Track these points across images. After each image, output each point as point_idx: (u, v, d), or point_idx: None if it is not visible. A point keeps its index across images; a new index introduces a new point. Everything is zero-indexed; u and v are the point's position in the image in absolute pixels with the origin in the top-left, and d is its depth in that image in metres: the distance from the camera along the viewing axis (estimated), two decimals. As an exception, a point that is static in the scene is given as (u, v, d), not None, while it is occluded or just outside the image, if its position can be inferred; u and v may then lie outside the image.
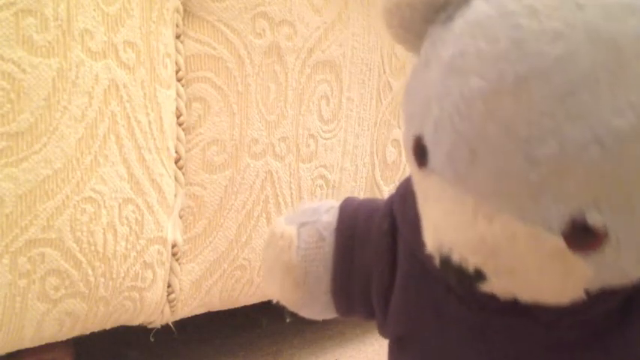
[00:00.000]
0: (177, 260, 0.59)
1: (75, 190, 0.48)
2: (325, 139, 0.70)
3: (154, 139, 0.54)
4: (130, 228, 0.52)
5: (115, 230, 0.51)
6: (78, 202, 0.49)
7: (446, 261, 0.26)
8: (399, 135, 0.80)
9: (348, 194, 0.74)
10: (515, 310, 0.28)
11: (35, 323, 0.49)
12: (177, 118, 0.57)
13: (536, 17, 0.23)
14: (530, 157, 0.23)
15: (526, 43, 0.23)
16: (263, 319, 0.87)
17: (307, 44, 0.66)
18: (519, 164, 0.23)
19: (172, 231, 0.57)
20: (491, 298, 0.27)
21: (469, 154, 0.24)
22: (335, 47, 0.69)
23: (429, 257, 0.27)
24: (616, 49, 0.22)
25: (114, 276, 0.52)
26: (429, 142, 0.26)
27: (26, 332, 0.49)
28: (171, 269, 0.59)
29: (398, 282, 0.33)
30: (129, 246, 0.53)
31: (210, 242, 0.62)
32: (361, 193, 0.77)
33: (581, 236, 0.23)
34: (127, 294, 0.54)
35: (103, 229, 0.50)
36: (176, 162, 0.57)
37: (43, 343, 0.51)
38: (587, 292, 0.26)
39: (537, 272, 0.25)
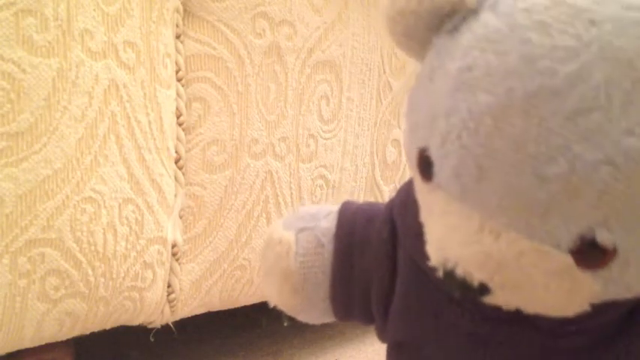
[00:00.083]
0: (177, 260, 0.59)
1: (75, 190, 0.48)
2: (325, 139, 0.70)
3: (154, 139, 0.54)
4: (130, 228, 0.52)
5: (115, 230, 0.51)
6: (78, 202, 0.48)
7: (450, 274, 0.25)
8: (399, 135, 0.80)
9: (348, 194, 0.74)
10: (517, 318, 0.28)
11: (35, 323, 0.49)
12: (177, 118, 0.57)
13: (547, 33, 0.22)
14: (539, 175, 0.22)
15: (537, 59, 0.22)
16: (263, 319, 0.87)
17: (307, 44, 0.66)
18: (528, 181, 0.22)
19: (172, 231, 0.57)
20: (494, 307, 0.27)
21: (476, 170, 0.23)
22: (335, 47, 0.69)
23: (432, 268, 0.27)
24: (630, 67, 0.22)
25: (114, 276, 0.52)
26: (434, 156, 0.25)
27: (26, 332, 0.49)
28: (171, 269, 0.59)
29: (398, 288, 0.33)
30: (129, 246, 0.53)
31: (210, 242, 0.62)
32: (361, 193, 0.77)
33: (590, 254, 0.23)
34: (127, 294, 0.54)
35: (103, 229, 0.50)
36: (176, 162, 0.57)
37: (43, 343, 0.51)
38: (592, 305, 0.26)
39: (543, 288, 0.24)
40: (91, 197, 0.49)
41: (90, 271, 0.50)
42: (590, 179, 0.22)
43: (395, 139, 0.80)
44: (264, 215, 0.65)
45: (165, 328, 0.62)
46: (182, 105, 0.57)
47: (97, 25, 0.48)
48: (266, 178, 0.65)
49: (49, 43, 0.46)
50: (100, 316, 0.53)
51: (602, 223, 0.22)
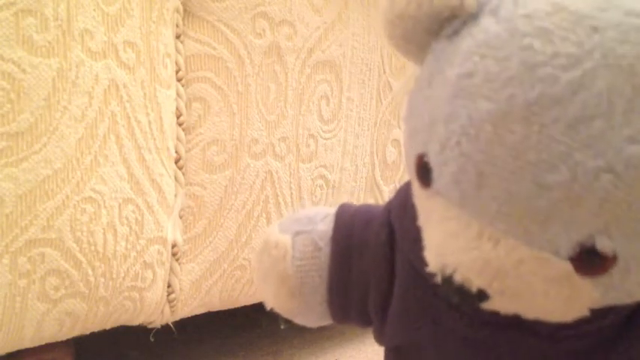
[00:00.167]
0: (177, 260, 0.59)
1: (75, 190, 0.48)
2: (325, 139, 0.70)
3: (154, 139, 0.54)
4: (130, 228, 0.52)
5: (115, 230, 0.51)
6: (78, 202, 0.48)
7: (448, 280, 0.25)
8: (399, 135, 0.80)
9: (348, 194, 0.74)
10: (515, 323, 0.28)
11: (35, 323, 0.49)
12: (177, 118, 0.57)
13: (548, 39, 0.22)
14: (539, 183, 0.22)
15: (538, 66, 0.22)
16: (263, 319, 0.87)
17: (307, 44, 0.66)
18: (528, 189, 0.22)
19: (172, 231, 0.57)
20: (492, 312, 0.27)
21: (476, 177, 0.23)
22: (335, 47, 0.69)
23: (430, 273, 0.26)
24: (632, 74, 0.21)
25: (114, 276, 0.52)
26: (433, 163, 0.25)
27: (26, 332, 0.49)
28: (171, 269, 0.59)
29: (396, 292, 0.33)
30: (129, 246, 0.53)
31: (210, 242, 0.62)
32: (361, 193, 0.77)
33: (590, 261, 0.23)
34: (127, 294, 0.54)
35: (103, 229, 0.50)
36: (176, 162, 0.57)
37: (43, 343, 0.51)
38: (591, 310, 0.26)
39: (542, 294, 0.24)
40: (91, 197, 0.49)
41: (90, 271, 0.50)
42: (591, 187, 0.22)
43: (395, 139, 0.80)
44: (264, 215, 0.65)
45: (166, 328, 0.62)
46: (182, 105, 0.57)
47: (97, 25, 0.48)
48: (266, 178, 0.65)
49: (49, 43, 0.46)
50: (100, 316, 0.53)
51: (603, 231, 0.22)
